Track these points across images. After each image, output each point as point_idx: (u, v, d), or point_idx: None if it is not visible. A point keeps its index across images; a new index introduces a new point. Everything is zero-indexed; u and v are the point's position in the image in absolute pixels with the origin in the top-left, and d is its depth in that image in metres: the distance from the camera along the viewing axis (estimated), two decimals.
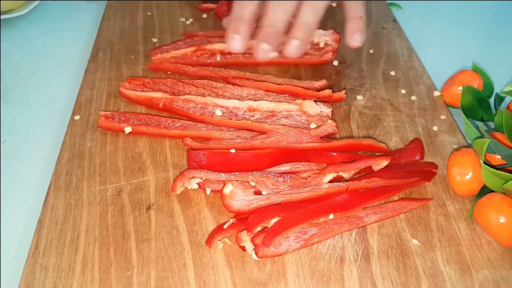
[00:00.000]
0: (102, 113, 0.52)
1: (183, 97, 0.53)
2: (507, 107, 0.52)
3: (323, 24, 0.59)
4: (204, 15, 0.72)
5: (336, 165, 0.45)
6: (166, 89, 0.55)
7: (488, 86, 0.56)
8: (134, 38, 0.66)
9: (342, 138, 0.51)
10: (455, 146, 0.51)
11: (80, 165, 0.48)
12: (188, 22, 0.70)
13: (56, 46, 0.69)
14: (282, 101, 0.52)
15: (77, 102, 0.55)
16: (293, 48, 0.55)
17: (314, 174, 0.46)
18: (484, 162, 0.43)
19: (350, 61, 0.63)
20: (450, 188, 0.46)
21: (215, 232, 0.41)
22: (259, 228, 0.40)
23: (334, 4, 0.68)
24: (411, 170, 0.47)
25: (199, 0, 0.74)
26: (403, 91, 0.58)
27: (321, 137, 0.48)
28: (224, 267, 0.39)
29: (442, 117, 0.54)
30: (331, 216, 0.41)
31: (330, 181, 0.45)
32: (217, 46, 0.61)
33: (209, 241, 0.41)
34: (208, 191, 0.45)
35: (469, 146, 0.48)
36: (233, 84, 0.56)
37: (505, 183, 0.41)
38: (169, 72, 0.60)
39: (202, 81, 0.56)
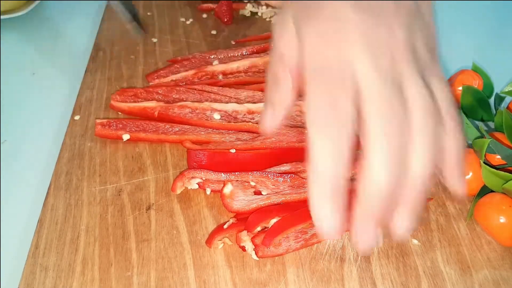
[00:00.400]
0: (98, 121, 0.50)
1: (179, 103, 0.51)
2: (507, 107, 0.52)
3: None
4: (204, 15, 0.72)
5: None
6: (159, 97, 0.54)
7: (488, 86, 0.56)
8: (134, 38, 0.66)
9: None
10: None
11: (80, 165, 0.48)
12: (188, 22, 0.70)
13: (56, 46, 0.69)
14: None
15: (77, 102, 0.55)
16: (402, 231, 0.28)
17: None
18: (484, 162, 0.42)
19: None
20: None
21: (215, 232, 0.41)
22: (259, 228, 0.40)
23: None
24: None
25: (199, 0, 0.74)
26: None
27: None
28: (224, 267, 0.39)
29: None
30: None
31: None
32: (218, 68, 0.58)
33: (209, 241, 0.41)
34: (208, 191, 0.45)
35: (469, 146, 0.47)
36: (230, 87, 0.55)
37: (505, 183, 0.41)
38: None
39: (197, 86, 0.54)
